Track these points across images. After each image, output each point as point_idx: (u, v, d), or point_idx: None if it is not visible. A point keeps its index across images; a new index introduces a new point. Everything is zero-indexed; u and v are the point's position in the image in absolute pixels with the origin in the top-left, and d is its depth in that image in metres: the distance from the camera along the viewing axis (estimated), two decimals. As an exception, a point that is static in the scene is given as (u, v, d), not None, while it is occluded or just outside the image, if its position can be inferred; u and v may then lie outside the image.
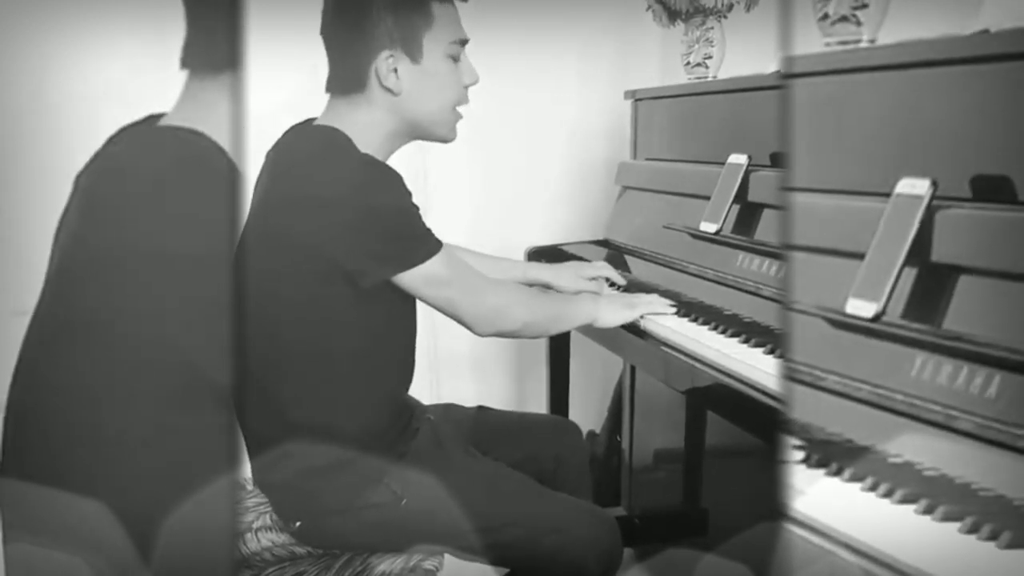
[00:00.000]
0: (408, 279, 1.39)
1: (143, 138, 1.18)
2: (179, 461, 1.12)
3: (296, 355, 1.43)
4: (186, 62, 1.20)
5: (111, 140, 1.20)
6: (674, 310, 1.68)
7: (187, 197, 1.12)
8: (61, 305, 1.16)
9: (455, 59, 1.48)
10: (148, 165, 1.16)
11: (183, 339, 1.09)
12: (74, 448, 1.12)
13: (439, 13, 1.44)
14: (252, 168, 1.35)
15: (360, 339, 1.44)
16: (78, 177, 1.21)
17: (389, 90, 1.43)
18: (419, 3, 1.42)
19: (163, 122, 1.19)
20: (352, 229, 1.35)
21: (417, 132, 1.50)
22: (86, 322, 1.12)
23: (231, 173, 1.13)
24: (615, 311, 1.65)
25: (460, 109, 1.52)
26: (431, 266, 1.40)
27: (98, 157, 1.20)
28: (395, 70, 1.42)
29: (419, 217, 1.41)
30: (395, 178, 1.39)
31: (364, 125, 1.44)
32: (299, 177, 1.40)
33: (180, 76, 1.20)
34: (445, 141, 1.53)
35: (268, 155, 1.46)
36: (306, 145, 1.44)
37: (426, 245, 1.40)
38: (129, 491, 1.10)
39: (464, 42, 1.49)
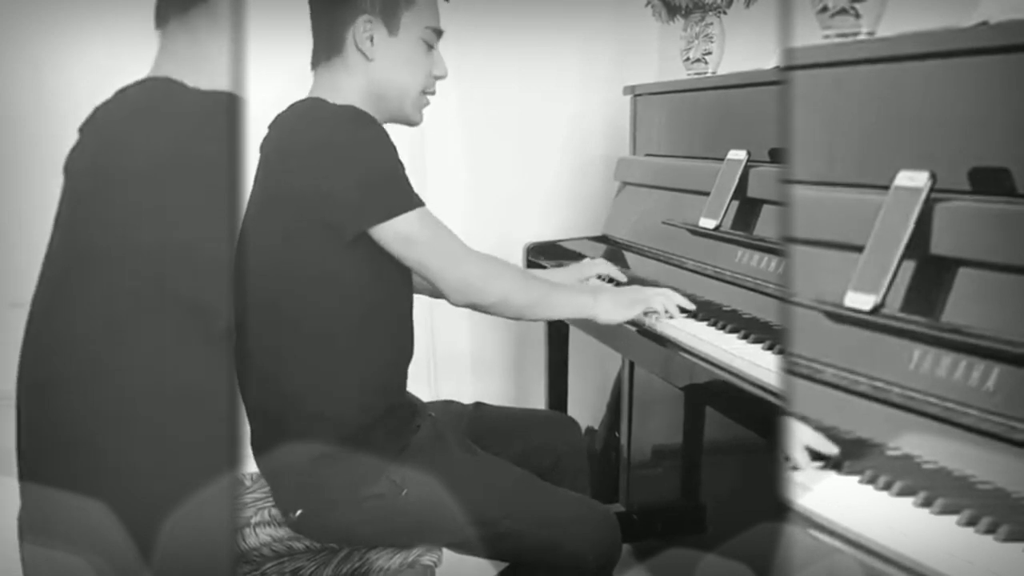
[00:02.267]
0: (383, 234, 1.39)
1: (111, 102, 1.19)
2: (179, 448, 1.12)
3: (294, 335, 1.43)
4: (157, 21, 1.22)
5: (88, 118, 1.21)
6: (685, 304, 1.63)
7: (158, 137, 1.12)
8: (62, 284, 1.16)
9: (429, 45, 1.53)
10: (114, 121, 1.17)
11: (184, 281, 1.09)
12: (62, 442, 1.12)
13: None
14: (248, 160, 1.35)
15: (355, 308, 1.44)
16: (65, 166, 1.21)
17: (363, 53, 1.48)
18: None
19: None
20: (330, 176, 1.37)
21: (386, 107, 1.52)
22: (89, 258, 1.13)
23: (204, 106, 1.13)
24: (617, 308, 1.60)
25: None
26: (408, 222, 1.39)
27: (79, 138, 1.21)
28: (371, 37, 1.47)
29: (399, 171, 1.41)
30: (376, 128, 1.41)
31: (339, 90, 1.48)
32: (283, 141, 1.44)
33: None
34: (411, 123, 1.57)
35: (261, 147, 1.47)
36: (289, 115, 1.47)
37: (403, 199, 1.40)
38: (128, 483, 1.10)
39: (439, 33, 1.54)
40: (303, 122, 1.44)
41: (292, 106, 1.48)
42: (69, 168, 1.21)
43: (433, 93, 1.57)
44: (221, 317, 1.11)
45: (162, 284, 1.09)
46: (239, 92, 1.13)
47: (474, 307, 1.50)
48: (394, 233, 1.39)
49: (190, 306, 1.10)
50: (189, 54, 1.19)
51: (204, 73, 1.17)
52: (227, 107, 1.11)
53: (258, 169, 1.46)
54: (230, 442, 1.17)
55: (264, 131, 1.48)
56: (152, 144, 1.12)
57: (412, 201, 1.40)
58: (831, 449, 1.28)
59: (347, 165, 1.37)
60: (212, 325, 1.11)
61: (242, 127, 1.11)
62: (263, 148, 1.47)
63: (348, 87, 1.49)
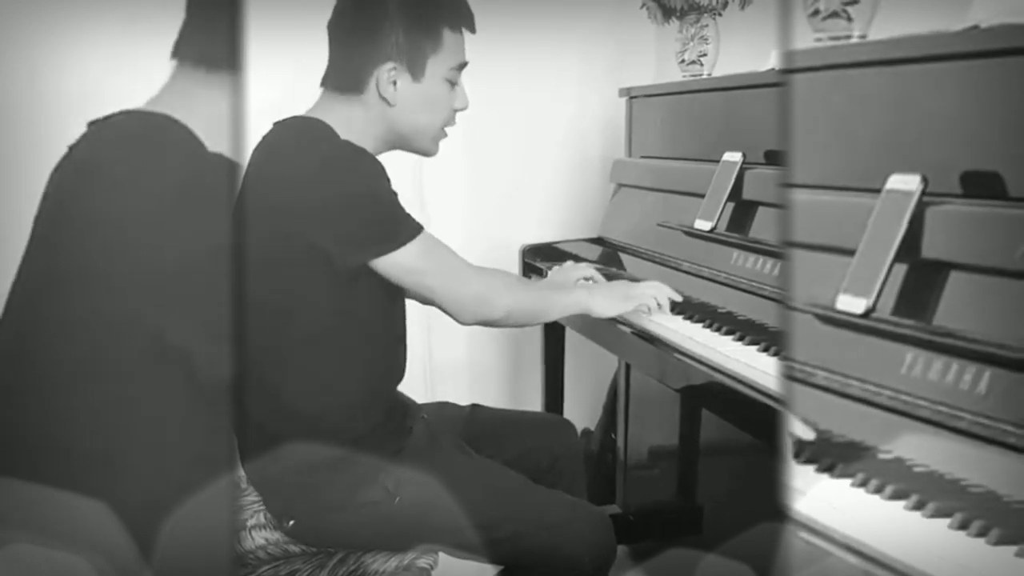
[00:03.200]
0: (385, 265, 1.39)
1: (108, 126, 1.19)
2: (175, 454, 1.12)
3: (287, 346, 1.43)
4: (177, 52, 1.20)
5: (82, 136, 1.20)
6: (675, 296, 1.65)
7: (150, 178, 1.11)
8: (39, 303, 1.15)
9: (453, 83, 1.51)
10: (110, 148, 1.17)
11: (169, 328, 1.09)
12: (60, 446, 1.11)
13: (448, 41, 1.48)
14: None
15: (348, 328, 1.44)
16: (52, 175, 1.21)
17: (385, 100, 1.46)
18: (431, 28, 1.46)
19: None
20: (327, 212, 1.36)
21: (401, 143, 1.52)
22: (64, 316, 1.12)
23: (202, 156, 1.13)
24: (610, 301, 1.61)
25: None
26: (408, 253, 1.39)
27: (68, 153, 1.21)
28: (394, 82, 1.45)
29: (396, 203, 1.41)
30: (371, 163, 1.40)
31: (352, 123, 1.46)
32: (278, 163, 1.42)
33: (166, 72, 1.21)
34: (426, 155, 1.56)
35: (253, 153, 1.46)
36: (287, 134, 1.45)
37: (403, 231, 1.39)
38: (125, 488, 1.10)
39: (463, 66, 1.52)
40: (297, 150, 1.42)
41: (290, 122, 1.46)
42: (52, 179, 1.21)
43: (453, 125, 1.55)
44: (207, 368, 1.11)
45: (136, 319, 1.09)
46: (238, 148, 1.14)
47: (485, 323, 1.51)
48: (395, 265, 1.39)
49: (156, 336, 1.10)
50: (196, 95, 1.18)
51: (204, 120, 1.16)
52: (227, 172, 1.12)
53: (247, 177, 1.43)
54: (227, 445, 1.17)
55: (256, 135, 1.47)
56: (138, 181, 1.12)
57: (410, 231, 1.40)
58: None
59: (347, 207, 1.36)
60: (196, 371, 1.10)
61: (234, 195, 1.12)
62: (255, 154, 1.45)
63: (359, 123, 1.46)
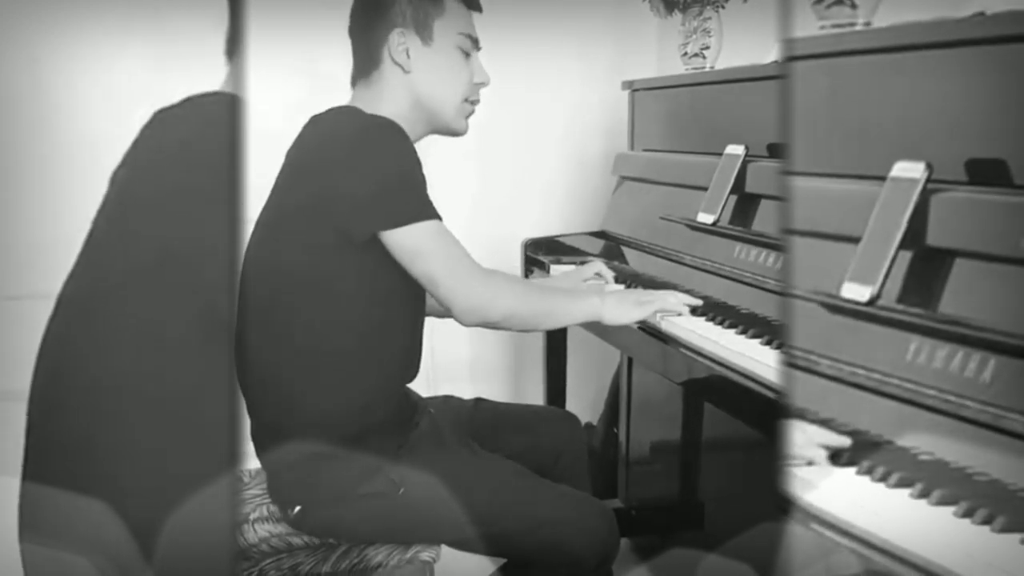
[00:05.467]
0: (393, 240, 1.38)
1: (172, 112, 1.20)
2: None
3: (299, 334, 1.43)
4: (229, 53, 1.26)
5: (146, 125, 1.21)
6: (692, 302, 1.60)
7: (214, 155, 1.13)
8: (93, 288, 1.16)
9: (466, 53, 1.55)
10: (175, 131, 1.18)
11: (196, 280, 1.10)
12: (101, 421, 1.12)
13: (451, 6, 1.53)
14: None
15: (363, 318, 1.44)
16: (115, 173, 1.21)
17: (399, 66, 1.50)
18: None
19: None
20: (349, 176, 1.37)
21: (429, 118, 1.55)
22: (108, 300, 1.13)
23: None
24: (624, 309, 1.56)
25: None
26: (417, 232, 1.38)
27: (132, 147, 1.21)
28: (406, 50, 1.50)
29: (418, 179, 1.41)
30: (402, 137, 1.41)
31: (381, 104, 1.49)
32: (308, 140, 1.46)
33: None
34: (456, 133, 1.59)
35: (288, 152, 1.49)
36: (321, 118, 1.48)
37: (416, 208, 1.39)
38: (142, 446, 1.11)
39: (475, 40, 1.56)
40: (331, 126, 1.45)
41: (328, 110, 1.49)
42: (116, 177, 1.21)
43: (477, 101, 1.58)
44: (223, 311, 1.12)
45: (188, 289, 1.10)
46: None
47: (485, 324, 1.49)
48: (404, 241, 1.38)
49: (199, 306, 1.10)
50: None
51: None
52: (229, 107, 1.12)
53: (281, 172, 1.47)
54: (230, 440, 1.17)
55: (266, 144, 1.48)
56: (194, 163, 1.13)
57: (427, 212, 1.40)
58: (843, 441, 1.26)
59: (367, 169, 1.37)
60: (215, 322, 1.11)
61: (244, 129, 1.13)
62: (290, 152, 1.48)
63: (388, 100, 1.51)
